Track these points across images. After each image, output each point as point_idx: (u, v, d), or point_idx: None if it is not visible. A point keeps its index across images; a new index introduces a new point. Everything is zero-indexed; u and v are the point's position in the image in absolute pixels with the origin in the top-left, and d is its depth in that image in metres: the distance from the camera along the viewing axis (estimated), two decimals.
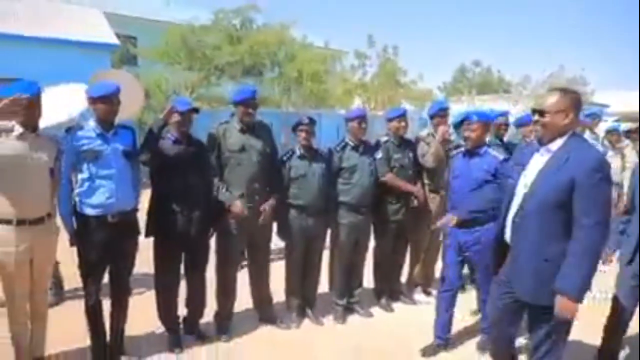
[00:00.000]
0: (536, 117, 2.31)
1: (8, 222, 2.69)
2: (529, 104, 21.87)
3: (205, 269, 3.57)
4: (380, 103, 19.93)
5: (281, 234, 3.83)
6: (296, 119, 3.89)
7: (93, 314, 3.10)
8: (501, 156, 3.29)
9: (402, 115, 4.19)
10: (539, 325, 2.29)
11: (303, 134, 3.74)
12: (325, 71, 17.04)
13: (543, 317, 2.26)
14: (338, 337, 3.74)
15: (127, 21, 16.14)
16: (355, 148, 3.92)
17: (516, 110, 16.10)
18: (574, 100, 2.26)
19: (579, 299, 2.13)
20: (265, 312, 3.88)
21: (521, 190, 2.35)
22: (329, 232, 4.00)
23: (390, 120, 4.22)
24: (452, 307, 3.47)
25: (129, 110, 7.09)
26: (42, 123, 3.03)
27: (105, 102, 2.96)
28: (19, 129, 2.73)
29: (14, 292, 2.79)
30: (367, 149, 3.99)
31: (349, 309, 4.10)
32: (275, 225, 3.81)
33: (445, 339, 3.49)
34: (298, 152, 3.76)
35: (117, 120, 3.12)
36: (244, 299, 3.83)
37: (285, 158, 3.77)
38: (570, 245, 2.14)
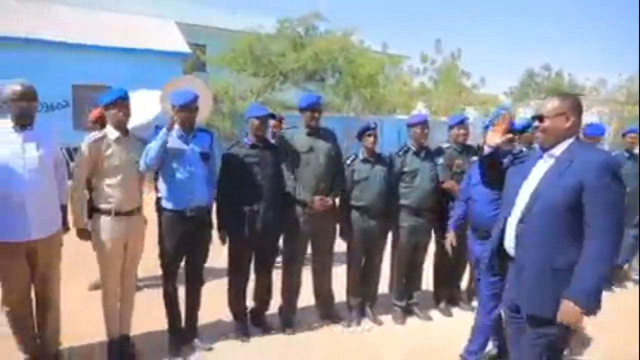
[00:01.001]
0: (536, 123, 2.26)
1: (107, 213, 3.07)
2: (605, 110, 20.67)
3: (273, 265, 3.79)
4: (443, 108, 19.65)
5: (343, 234, 3.99)
6: (356, 124, 4.04)
7: (170, 300, 3.42)
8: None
9: (462, 122, 4.23)
10: (538, 339, 2.14)
11: (371, 139, 3.88)
12: (384, 76, 17.09)
13: (544, 331, 2.11)
14: (396, 338, 3.82)
15: (197, 30, 17.04)
16: (416, 153, 4.00)
17: (589, 116, 15.26)
18: (573, 103, 2.21)
19: (585, 305, 1.97)
20: (326, 309, 4.04)
21: (524, 197, 2.24)
22: (390, 234, 4.10)
23: (451, 127, 4.29)
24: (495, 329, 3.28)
25: (199, 114, 7.59)
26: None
27: (185, 110, 3.27)
28: (115, 133, 3.09)
29: (108, 275, 3.15)
30: (428, 154, 4.06)
31: (407, 311, 4.17)
32: (338, 227, 3.97)
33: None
34: (361, 156, 3.91)
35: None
36: (306, 296, 4.02)
37: (349, 161, 3.93)
38: (583, 250, 2.01)
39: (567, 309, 1.99)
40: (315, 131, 3.76)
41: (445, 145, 4.25)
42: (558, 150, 2.20)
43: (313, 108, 3.70)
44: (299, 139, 3.74)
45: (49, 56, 11.46)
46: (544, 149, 2.26)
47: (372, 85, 15.84)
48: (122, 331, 3.27)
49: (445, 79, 20.91)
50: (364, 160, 3.89)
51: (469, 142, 4.37)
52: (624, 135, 5.38)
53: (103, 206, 3.07)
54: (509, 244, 2.29)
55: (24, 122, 2.81)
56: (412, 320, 4.12)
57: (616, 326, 3.76)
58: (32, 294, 3.00)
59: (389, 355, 3.54)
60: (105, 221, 3.07)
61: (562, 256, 2.06)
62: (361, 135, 3.95)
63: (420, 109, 19.59)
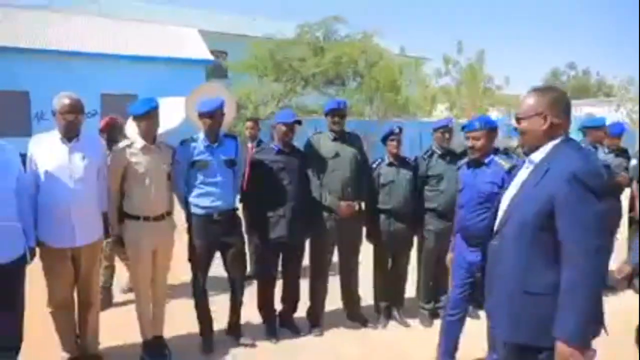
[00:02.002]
0: (516, 124, 2.01)
1: (137, 218, 3.19)
2: (635, 108, 20.12)
3: (300, 268, 3.86)
4: (465, 110, 19.46)
5: (370, 237, 4.03)
6: (378, 127, 4.08)
7: (200, 302, 3.53)
8: (507, 165, 3.02)
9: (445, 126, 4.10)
10: None
11: (394, 143, 3.92)
12: (405, 79, 17.06)
13: (522, 358, 1.88)
14: (423, 340, 3.82)
15: (218, 37, 17.35)
16: (442, 156, 4.02)
17: (615, 114, 14.90)
18: (553, 100, 1.89)
19: (581, 343, 1.69)
20: (353, 311, 4.08)
21: (503, 208, 2.00)
22: (416, 237, 4.12)
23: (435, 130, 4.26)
24: (458, 333, 3.23)
25: (223, 120, 7.74)
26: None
27: (210, 117, 3.37)
28: (141, 142, 3.21)
29: (138, 278, 3.29)
30: (453, 157, 4.07)
31: (435, 314, 4.17)
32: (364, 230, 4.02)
33: None
34: (387, 160, 3.95)
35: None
36: (334, 299, 4.07)
37: (374, 165, 3.98)
38: (562, 279, 1.73)
39: (564, 353, 1.71)
40: (340, 136, 3.82)
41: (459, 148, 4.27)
42: (538, 155, 1.92)
43: (335, 113, 3.76)
44: (325, 144, 3.80)
45: (79, 66, 11.85)
46: (526, 154, 2.01)
47: (394, 89, 15.83)
48: (155, 332, 3.40)
49: (468, 80, 20.70)
50: (389, 164, 3.93)
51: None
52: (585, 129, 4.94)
53: (132, 212, 3.20)
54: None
55: (70, 134, 2.96)
56: (438, 323, 4.11)
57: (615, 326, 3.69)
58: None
59: (417, 357, 3.56)
60: (134, 226, 3.19)
61: (536, 279, 1.81)
62: (385, 139, 3.99)
63: (441, 110, 19.43)
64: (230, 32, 18.19)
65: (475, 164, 3.13)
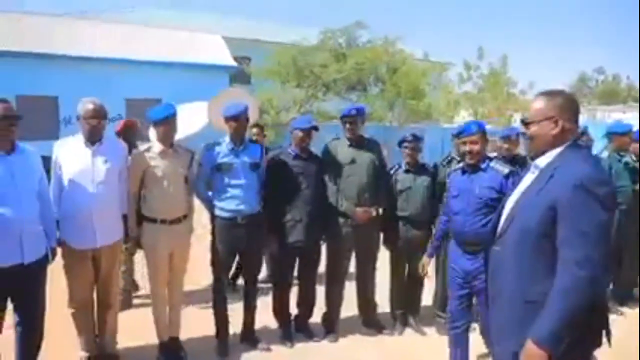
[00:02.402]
0: (522, 129, 1.98)
1: (154, 221, 3.25)
2: None
3: (316, 272, 3.86)
4: (488, 115, 19.19)
5: (387, 244, 4.00)
6: (399, 133, 4.06)
7: (218, 305, 3.56)
8: (505, 170, 2.98)
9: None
10: None
11: (407, 151, 3.90)
12: (427, 84, 16.95)
13: None
14: (439, 348, 3.73)
15: (242, 44, 17.58)
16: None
17: None
18: (564, 103, 1.85)
19: (551, 347, 1.64)
20: (369, 318, 4.05)
21: (505, 213, 1.97)
22: None
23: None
24: (464, 346, 3.12)
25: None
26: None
27: (236, 121, 3.42)
28: (159, 146, 3.27)
29: (155, 280, 3.34)
30: None
31: None
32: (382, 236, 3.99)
33: None
34: (404, 167, 3.92)
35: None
36: (350, 305, 4.05)
37: (392, 172, 3.95)
38: (554, 283, 1.70)
39: (531, 351, 1.69)
40: (357, 142, 3.81)
41: (492, 154, 4.21)
42: (543, 161, 1.88)
43: (349, 119, 3.76)
44: (342, 150, 3.80)
45: (105, 72, 12.18)
46: (532, 158, 1.99)
47: (417, 95, 15.75)
48: (171, 333, 3.44)
49: (491, 85, 20.43)
50: (406, 171, 3.90)
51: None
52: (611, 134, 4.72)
53: (149, 215, 3.26)
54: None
55: (94, 138, 3.05)
56: None
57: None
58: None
59: None
60: (151, 229, 3.25)
61: (537, 287, 1.76)
62: (401, 145, 3.97)
63: (464, 117, 19.21)
64: (253, 38, 18.41)
65: (472, 169, 3.05)
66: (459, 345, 3.12)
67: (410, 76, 15.31)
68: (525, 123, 1.93)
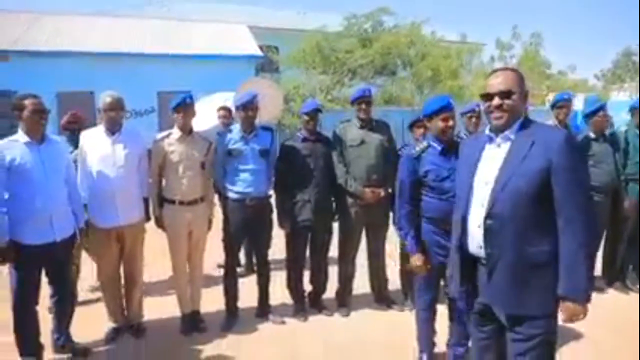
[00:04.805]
0: (497, 102, 1.94)
1: (172, 202, 3.51)
2: None
3: (327, 250, 4.04)
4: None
5: (397, 223, 4.11)
6: None
7: (229, 277, 3.81)
8: None
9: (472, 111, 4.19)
10: (528, 342, 1.93)
11: (420, 130, 3.98)
12: (461, 66, 16.66)
13: (532, 331, 1.92)
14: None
15: (269, 33, 17.74)
16: None
17: None
18: (522, 78, 1.99)
19: (588, 299, 1.85)
20: (381, 294, 4.20)
21: (481, 189, 2.00)
22: None
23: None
24: (431, 319, 3.18)
25: (270, 113, 8.07)
26: (201, 126, 3.84)
27: (244, 110, 3.62)
28: (178, 133, 3.50)
29: (176, 258, 3.60)
30: None
31: None
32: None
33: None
34: (415, 147, 4.00)
35: (262, 122, 3.84)
36: (364, 282, 4.21)
37: (400, 153, 4.04)
38: (563, 243, 1.83)
39: (572, 310, 1.85)
40: (367, 123, 3.92)
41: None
42: (512, 131, 1.97)
43: (361, 100, 3.87)
44: (352, 132, 3.92)
45: (138, 67, 12.65)
46: (499, 132, 2.01)
47: (451, 78, 15.53)
48: (193, 307, 3.71)
49: (525, 65, 19.85)
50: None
51: None
52: (591, 114, 4.42)
53: (169, 196, 3.52)
54: (475, 243, 2.04)
55: (113, 128, 3.33)
56: None
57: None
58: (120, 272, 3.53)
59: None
60: (171, 209, 3.51)
61: (535, 248, 1.88)
62: (412, 126, 4.06)
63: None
64: (281, 27, 18.56)
65: (454, 149, 2.86)
66: (427, 318, 3.18)
67: (445, 60, 15.10)
68: (505, 95, 1.93)
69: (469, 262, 2.10)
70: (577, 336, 3.48)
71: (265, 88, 9.09)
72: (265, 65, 16.48)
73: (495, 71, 2.07)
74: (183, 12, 18.16)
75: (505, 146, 1.97)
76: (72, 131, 4.11)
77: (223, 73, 12.09)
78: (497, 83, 1.97)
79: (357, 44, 15.24)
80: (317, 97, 14.31)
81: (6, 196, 2.81)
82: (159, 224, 3.60)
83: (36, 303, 3.00)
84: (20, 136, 2.91)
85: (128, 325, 3.58)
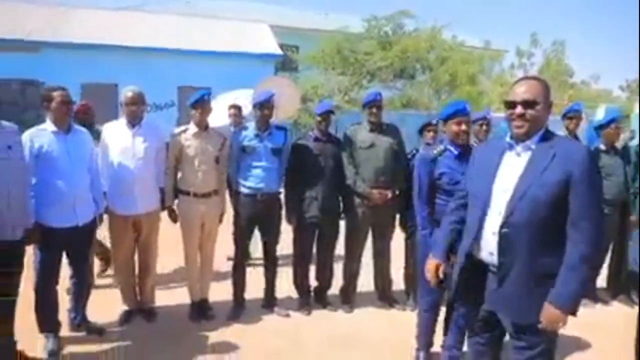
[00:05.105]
0: (520, 110, 1.94)
1: (187, 194, 3.68)
2: None
3: (333, 247, 4.17)
4: None
5: (403, 225, 4.22)
6: None
7: (237, 269, 3.96)
8: None
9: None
10: (529, 351, 1.97)
11: (430, 134, 4.08)
12: (481, 72, 16.58)
13: (533, 338, 1.96)
14: None
15: (291, 32, 17.95)
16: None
17: None
18: (548, 88, 1.98)
19: (570, 310, 1.87)
20: (384, 293, 4.31)
21: (499, 196, 2.01)
22: None
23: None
24: (433, 320, 3.26)
25: (287, 112, 8.22)
26: (219, 122, 3.99)
27: (260, 108, 3.78)
28: (194, 128, 3.67)
29: (188, 247, 3.77)
30: None
31: None
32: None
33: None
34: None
35: (279, 120, 3.97)
36: (369, 281, 4.33)
37: (410, 156, 4.16)
38: (567, 253, 1.86)
39: (553, 315, 1.87)
40: (377, 127, 4.04)
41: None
42: (533, 141, 1.98)
43: (372, 105, 3.99)
44: (362, 134, 4.04)
45: (159, 62, 12.97)
46: (519, 141, 2.01)
47: (470, 84, 15.48)
48: (202, 295, 3.88)
49: (546, 73, 19.65)
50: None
51: None
52: (603, 126, 4.41)
53: (184, 188, 3.70)
54: (487, 250, 2.04)
55: (134, 121, 3.51)
56: None
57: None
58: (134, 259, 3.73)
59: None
60: (185, 201, 3.69)
61: (547, 259, 1.91)
62: (422, 130, 4.15)
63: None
64: (303, 27, 18.74)
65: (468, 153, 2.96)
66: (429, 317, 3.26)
67: (465, 65, 15.06)
68: (529, 105, 1.93)
69: (477, 269, 2.12)
70: (582, 347, 3.52)
71: (283, 87, 9.28)
72: (285, 64, 16.66)
73: (521, 79, 2.07)
74: (208, 9, 18.48)
75: (526, 155, 1.99)
76: (83, 124, 3.95)
77: (242, 70, 12.31)
78: (522, 92, 1.96)
79: (376, 46, 15.30)
80: (335, 98, 14.43)
81: (33, 181, 3.00)
82: (172, 216, 3.76)
83: (56, 283, 3.20)
84: (48, 125, 3.11)
85: (140, 309, 3.77)
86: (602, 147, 4.38)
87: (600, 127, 4.46)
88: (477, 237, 2.07)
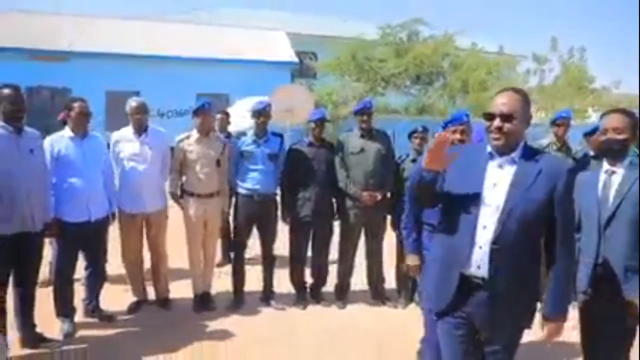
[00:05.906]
0: (497, 123, 1.90)
1: (191, 194, 4.03)
2: None
3: (327, 246, 4.44)
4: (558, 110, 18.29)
5: (394, 226, 4.46)
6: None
7: (237, 265, 4.26)
8: None
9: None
10: (502, 351, 2.01)
11: (417, 141, 4.33)
12: (496, 77, 16.59)
13: (504, 341, 2.01)
14: None
15: (309, 39, 18.33)
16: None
17: None
18: (528, 102, 1.96)
19: (563, 318, 2.01)
20: (377, 290, 4.55)
21: (488, 210, 1.92)
22: None
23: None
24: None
25: (300, 118, 8.58)
26: (235, 127, 4.30)
27: (257, 116, 4.13)
28: (197, 134, 4.01)
29: (191, 244, 4.12)
30: None
31: None
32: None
33: None
34: (411, 156, 4.35)
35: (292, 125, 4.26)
36: (358, 280, 4.59)
37: (399, 161, 4.40)
38: (556, 267, 1.95)
39: (556, 328, 1.99)
40: (367, 133, 4.30)
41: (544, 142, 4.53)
42: (517, 154, 1.95)
43: (363, 112, 4.27)
44: (353, 140, 4.31)
45: (179, 70, 13.54)
46: (499, 153, 1.96)
47: (482, 90, 15.54)
48: (204, 289, 4.20)
49: (565, 80, 19.45)
50: (413, 160, 4.32)
51: None
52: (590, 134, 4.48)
53: (188, 189, 4.05)
54: (473, 264, 1.95)
55: (139, 129, 3.87)
56: None
57: None
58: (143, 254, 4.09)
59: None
60: (189, 201, 4.04)
61: (531, 271, 1.97)
62: (410, 136, 4.40)
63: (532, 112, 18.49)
64: (320, 34, 19.12)
65: None
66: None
67: (478, 71, 15.14)
68: (506, 118, 1.89)
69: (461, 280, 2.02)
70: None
71: (298, 94, 9.65)
72: (303, 71, 17.03)
73: (502, 91, 2.01)
74: (227, 18, 19.06)
75: (510, 169, 1.95)
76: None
77: (260, 77, 12.73)
78: (500, 104, 1.93)
79: (391, 53, 15.54)
80: (350, 104, 14.72)
81: (53, 181, 3.38)
82: (176, 198, 4.13)
83: (73, 273, 3.58)
84: (66, 132, 3.51)
85: (156, 299, 4.14)
86: (591, 152, 4.53)
87: (589, 134, 4.62)
88: (461, 251, 1.97)
